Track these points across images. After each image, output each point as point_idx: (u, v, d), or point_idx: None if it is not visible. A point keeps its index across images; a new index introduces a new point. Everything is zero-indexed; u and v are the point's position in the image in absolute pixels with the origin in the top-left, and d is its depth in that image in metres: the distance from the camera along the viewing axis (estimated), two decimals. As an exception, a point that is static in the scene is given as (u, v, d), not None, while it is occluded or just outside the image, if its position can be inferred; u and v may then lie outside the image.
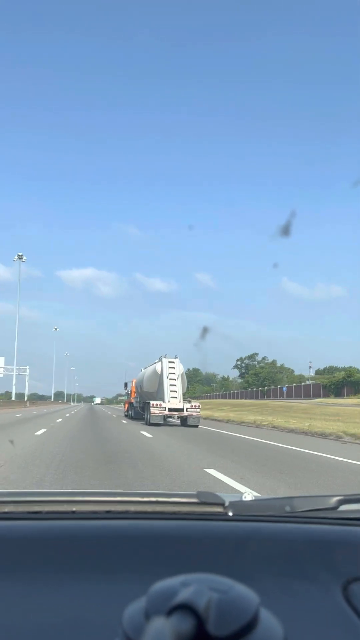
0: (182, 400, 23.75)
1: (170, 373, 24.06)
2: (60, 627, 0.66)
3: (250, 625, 0.47)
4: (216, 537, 0.89)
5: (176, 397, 23.85)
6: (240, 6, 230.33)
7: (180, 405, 22.65)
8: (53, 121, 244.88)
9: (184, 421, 22.91)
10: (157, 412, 22.12)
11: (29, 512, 0.96)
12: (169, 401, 23.37)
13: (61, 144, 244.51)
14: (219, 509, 0.99)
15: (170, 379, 23.88)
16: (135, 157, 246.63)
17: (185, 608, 0.46)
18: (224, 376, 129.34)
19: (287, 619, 0.59)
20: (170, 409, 22.37)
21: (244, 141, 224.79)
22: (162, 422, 22.09)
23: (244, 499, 1.05)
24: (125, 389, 37.77)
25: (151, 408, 22.11)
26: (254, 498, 1.07)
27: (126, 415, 36.92)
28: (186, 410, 23.02)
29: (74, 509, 0.97)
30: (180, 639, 0.43)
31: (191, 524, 0.95)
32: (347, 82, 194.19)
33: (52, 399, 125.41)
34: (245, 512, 0.99)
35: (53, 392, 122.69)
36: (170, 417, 24.46)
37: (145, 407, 24.45)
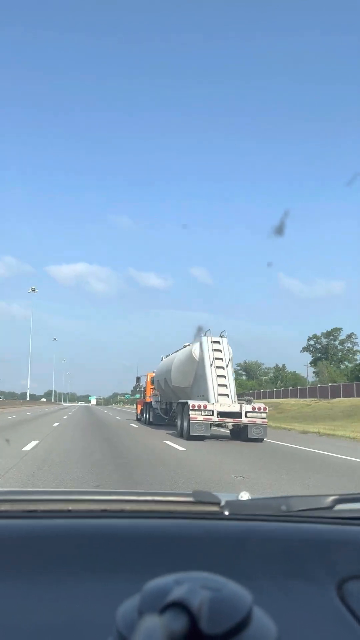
0: (236, 400, 14.65)
1: (216, 359, 15.34)
2: (56, 625, 0.69)
3: (243, 623, 0.49)
4: (212, 536, 0.92)
5: (228, 395, 15.07)
6: (239, 4, 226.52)
7: (235, 408, 15.51)
8: (45, 117, 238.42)
9: (239, 432, 15.86)
10: (200, 418, 14.98)
11: (24, 511, 0.99)
12: (217, 401, 15.81)
13: (52, 138, 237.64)
14: (215, 508, 1.01)
15: (216, 367, 15.21)
16: (130, 150, 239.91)
17: (178, 606, 0.48)
18: (277, 365, 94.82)
19: (282, 617, 0.64)
20: (220, 414, 15.24)
21: (242, 139, 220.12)
22: (207, 433, 15.23)
23: (240, 499, 1.08)
24: (138, 385, 28.71)
25: (191, 412, 15.06)
26: (250, 497, 1.09)
27: (139, 420, 27.78)
28: (245, 416, 15.51)
29: (69, 507, 1.00)
30: (172, 637, 0.45)
31: (187, 523, 0.97)
32: (343, 80, 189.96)
33: (28, 398, 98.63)
34: (241, 511, 1.01)
35: (29, 386, 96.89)
36: (221, 425, 14.97)
37: (178, 410, 17.69)
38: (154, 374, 24.46)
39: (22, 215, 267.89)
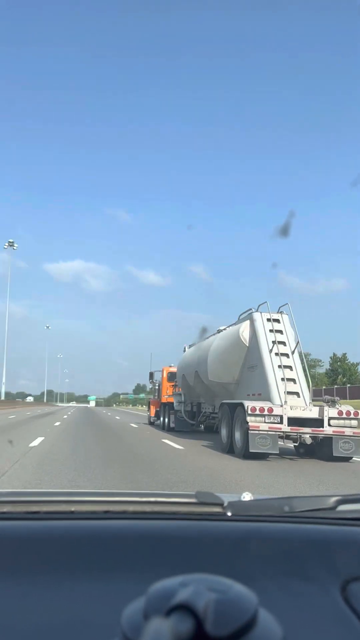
0: (311, 401, 11.41)
1: (277, 342, 9.97)
2: (59, 627, 0.70)
3: (249, 625, 0.49)
4: (215, 537, 0.92)
5: (298, 394, 11.22)
6: (241, 12, 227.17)
7: (312, 412, 10.62)
8: (42, 113, 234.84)
9: (314, 448, 11.02)
10: (264, 427, 10.14)
11: (27, 512, 1.00)
12: (284, 402, 10.65)
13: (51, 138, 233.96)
14: (218, 509, 1.02)
15: (280, 354, 9.96)
16: (129, 149, 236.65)
17: (184, 608, 0.49)
18: (335, 355, 69.12)
19: (286, 619, 0.65)
20: (291, 420, 10.35)
21: (245, 137, 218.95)
22: (274, 450, 10.38)
23: (242, 499, 1.08)
24: (151, 382, 24.81)
25: (249, 418, 10.22)
26: (252, 498, 1.10)
27: (152, 424, 23.99)
28: (329, 424, 10.49)
29: (72, 509, 1.01)
30: (179, 639, 0.46)
31: (190, 524, 0.98)
32: (344, 84, 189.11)
33: (3, 397, 71.75)
34: (244, 512, 1.01)
35: (4, 379, 70.29)
36: (290, 437, 11.04)
37: (223, 415, 12.61)
38: (172, 369, 20.93)
39: (16, 209, 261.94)
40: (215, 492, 1.10)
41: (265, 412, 10.20)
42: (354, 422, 10.63)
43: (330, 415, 10.42)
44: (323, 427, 10.36)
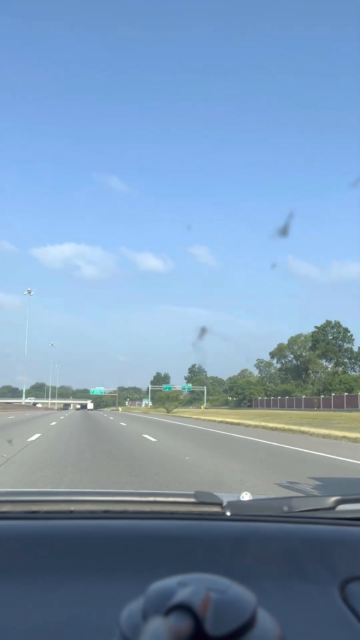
0: None
1: None
2: (58, 627, 0.72)
3: (248, 625, 0.51)
4: (214, 537, 0.95)
5: None
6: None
7: None
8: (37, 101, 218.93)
9: None
10: None
11: (26, 512, 1.03)
12: None
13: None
14: (217, 509, 1.05)
15: None
16: (128, 146, 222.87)
17: (183, 608, 0.50)
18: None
19: (285, 618, 0.66)
20: None
21: (246, 133, 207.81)
22: None
23: (241, 499, 1.11)
24: None
25: None
26: (251, 498, 1.13)
27: None
28: None
29: (72, 508, 1.04)
30: (177, 639, 0.47)
31: (189, 523, 1.00)
32: (346, 79, 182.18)
33: None
34: (243, 512, 1.04)
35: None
36: None
37: None
38: None
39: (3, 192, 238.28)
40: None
41: None
42: None
43: None
44: None
